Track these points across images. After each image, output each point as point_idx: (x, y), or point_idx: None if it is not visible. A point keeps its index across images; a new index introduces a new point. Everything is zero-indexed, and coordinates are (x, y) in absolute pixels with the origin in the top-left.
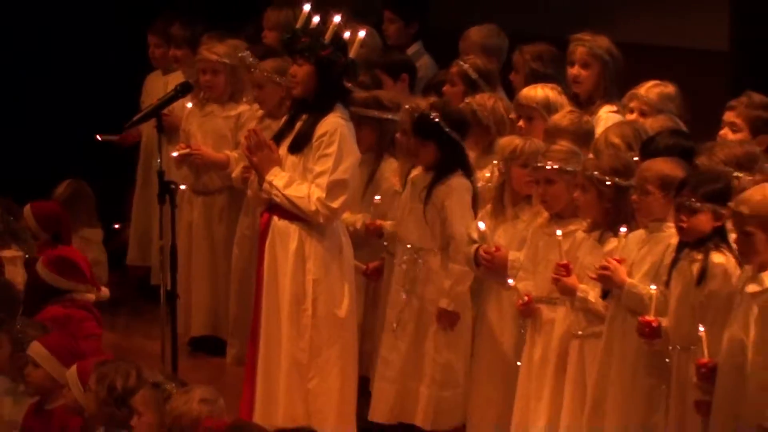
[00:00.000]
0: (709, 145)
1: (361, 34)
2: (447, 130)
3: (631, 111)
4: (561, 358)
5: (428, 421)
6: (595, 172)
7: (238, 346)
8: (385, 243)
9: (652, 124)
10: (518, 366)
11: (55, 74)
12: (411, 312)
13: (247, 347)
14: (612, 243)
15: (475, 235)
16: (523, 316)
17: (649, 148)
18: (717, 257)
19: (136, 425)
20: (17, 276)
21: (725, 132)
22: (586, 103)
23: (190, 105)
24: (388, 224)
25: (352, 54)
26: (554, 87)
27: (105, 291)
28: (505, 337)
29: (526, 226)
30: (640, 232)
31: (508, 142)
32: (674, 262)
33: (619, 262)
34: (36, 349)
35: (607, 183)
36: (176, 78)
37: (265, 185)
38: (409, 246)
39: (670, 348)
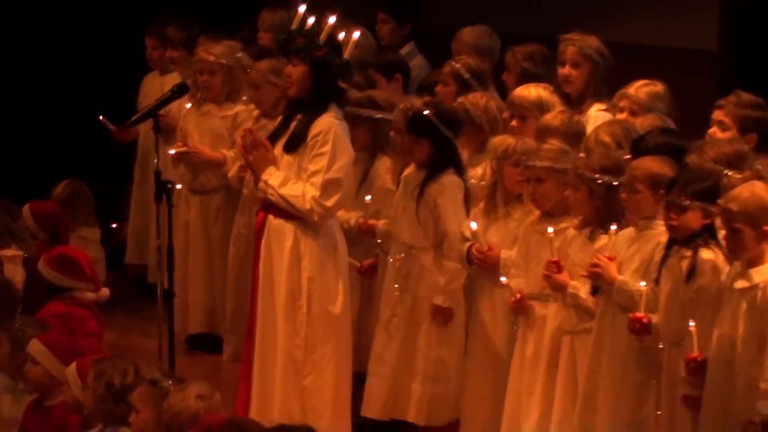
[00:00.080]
0: (700, 144)
1: (356, 35)
2: (440, 127)
3: (621, 110)
4: (552, 354)
5: (421, 417)
6: (586, 171)
7: (235, 343)
8: (378, 241)
9: (642, 123)
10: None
11: (54, 75)
12: (404, 309)
13: (243, 344)
14: (602, 240)
15: (467, 234)
16: (516, 312)
17: (640, 146)
18: (706, 254)
19: (134, 422)
20: (16, 275)
21: (714, 130)
22: (576, 103)
23: (189, 105)
24: (381, 223)
25: (346, 55)
26: (547, 87)
27: (105, 291)
28: (498, 333)
29: (517, 225)
30: (629, 230)
31: (500, 141)
32: (664, 259)
33: (610, 259)
34: (35, 347)
35: (598, 181)
36: (173, 79)
37: (261, 184)
38: (402, 243)
39: (660, 345)
